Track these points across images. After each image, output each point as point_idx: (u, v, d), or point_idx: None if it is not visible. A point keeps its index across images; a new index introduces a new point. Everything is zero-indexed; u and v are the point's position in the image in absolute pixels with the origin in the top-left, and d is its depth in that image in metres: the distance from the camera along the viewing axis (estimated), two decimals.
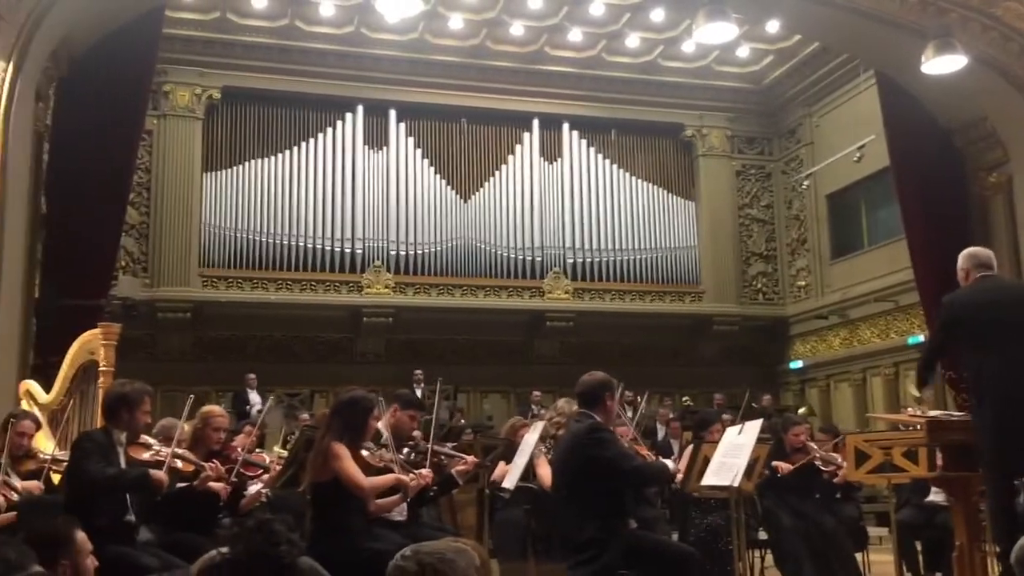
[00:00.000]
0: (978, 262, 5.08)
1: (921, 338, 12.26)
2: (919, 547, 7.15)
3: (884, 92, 11.67)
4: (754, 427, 5.00)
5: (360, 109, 14.22)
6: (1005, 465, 4.60)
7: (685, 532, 6.46)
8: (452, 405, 12.49)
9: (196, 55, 13.43)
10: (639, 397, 11.51)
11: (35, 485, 5.37)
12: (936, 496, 6.93)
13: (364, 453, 4.29)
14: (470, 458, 5.07)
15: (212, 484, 4.80)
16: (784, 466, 6.96)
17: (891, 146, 11.72)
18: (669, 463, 4.68)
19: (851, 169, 13.38)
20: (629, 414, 10.57)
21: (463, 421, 12.01)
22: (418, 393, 11.35)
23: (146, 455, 4.65)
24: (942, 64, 8.71)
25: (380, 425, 4.65)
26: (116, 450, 4.46)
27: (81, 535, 2.77)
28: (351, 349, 13.97)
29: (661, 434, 11.81)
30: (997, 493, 4.69)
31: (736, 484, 4.82)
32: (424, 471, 4.56)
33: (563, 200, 14.79)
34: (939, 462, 5.38)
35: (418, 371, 12.56)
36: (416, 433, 5.38)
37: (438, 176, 14.47)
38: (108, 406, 4.53)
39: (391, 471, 4.49)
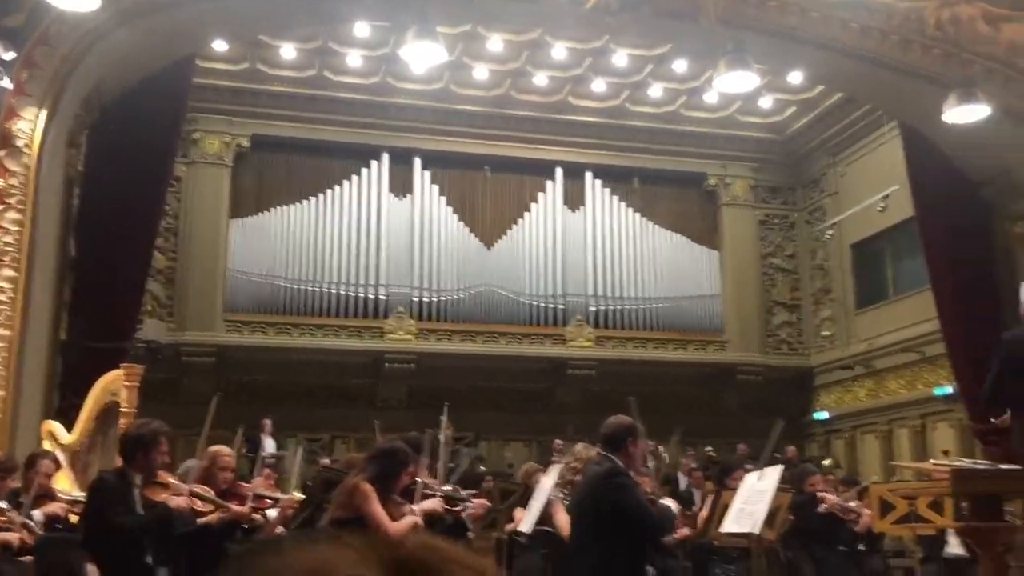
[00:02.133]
0: None
1: (949, 389, 12.09)
2: None
3: (908, 143, 11.68)
4: (774, 473, 4.94)
5: (385, 157, 14.40)
6: None
7: None
8: (473, 452, 12.41)
9: (225, 104, 13.69)
10: (659, 447, 11.44)
11: (59, 507, 5.39)
12: (953, 548, 6.80)
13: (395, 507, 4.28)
14: (478, 502, 5.02)
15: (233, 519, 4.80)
16: (831, 498, 6.90)
17: (916, 196, 11.69)
18: (671, 503, 4.62)
19: (876, 219, 13.34)
20: (651, 463, 10.44)
21: (483, 468, 11.92)
22: (440, 439, 11.31)
23: (163, 495, 4.65)
24: (964, 114, 8.73)
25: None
26: (132, 492, 4.47)
27: (92, 569, 2.77)
28: (373, 395, 13.98)
29: (683, 484, 11.66)
30: None
31: (756, 531, 4.75)
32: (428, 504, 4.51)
33: (586, 248, 14.82)
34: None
35: (442, 417, 12.49)
36: (431, 481, 5.35)
37: (462, 223, 14.57)
38: (124, 447, 4.55)
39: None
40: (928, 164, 11.42)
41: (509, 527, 6.50)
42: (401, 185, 14.52)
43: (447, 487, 4.90)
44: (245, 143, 13.94)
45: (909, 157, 11.64)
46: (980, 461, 5.68)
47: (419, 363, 13.74)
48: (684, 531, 6.64)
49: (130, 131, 9.52)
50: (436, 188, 14.57)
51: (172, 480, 4.83)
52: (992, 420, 5.30)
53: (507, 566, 6.76)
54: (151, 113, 9.66)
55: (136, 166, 9.54)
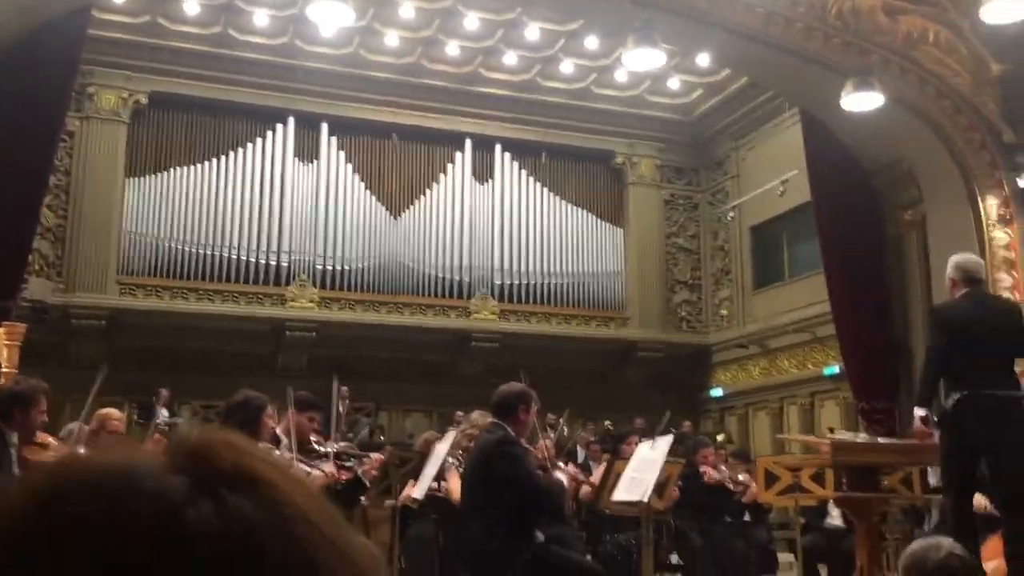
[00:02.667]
0: (964, 274, 4.98)
1: (836, 369, 12.54)
2: (824, 572, 7.27)
3: (807, 129, 11.98)
4: (665, 442, 5.04)
5: (291, 121, 14.09)
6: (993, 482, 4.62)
7: (596, 550, 6.48)
8: (372, 422, 12.34)
9: (124, 58, 13.16)
10: (560, 419, 11.61)
11: None
12: (834, 520, 7.08)
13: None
14: (375, 455, 4.99)
15: None
16: (712, 472, 7.06)
17: (812, 182, 12.02)
18: (562, 477, 4.68)
19: (775, 202, 13.68)
20: (551, 435, 10.54)
21: (382, 438, 11.86)
22: (340, 410, 11.23)
23: (44, 455, 4.48)
24: (860, 101, 9.01)
25: (279, 430, 4.57)
26: (8, 451, 4.29)
27: None
28: (272, 363, 13.72)
29: (581, 457, 11.83)
30: (959, 508, 4.67)
31: (646, 500, 4.84)
32: (326, 468, 4.47)
33: (493, 221, 14.82)
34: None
35: (344, 388, 12.38)
36: (328, 447, 5.28)
37: (368, 192, 14.39)
38: (0, 405, 4.35)
39: None
40: (825, 151, 11.75)
41: (403, 496, 6.49)
42: (307, 150, 14.24)
43: (340, 444, 4.84)
44: (143, 100, 13.44)
45: (807, 143, 11.95)
46: (860, 434, 5.92)
47: (321, 332, 13.56)
48: (586, 490, 6.79)
49: (19, 81, 9.07)
50: (343, 155, 14.34)
51: (52, 440, 4.65)
52: (916, 413, 5.12)
53: (400, 535, 6.76)
54: (43, 63, 9.21)
55: (26, 118, 9.11)
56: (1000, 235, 10.25)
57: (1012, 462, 4.62)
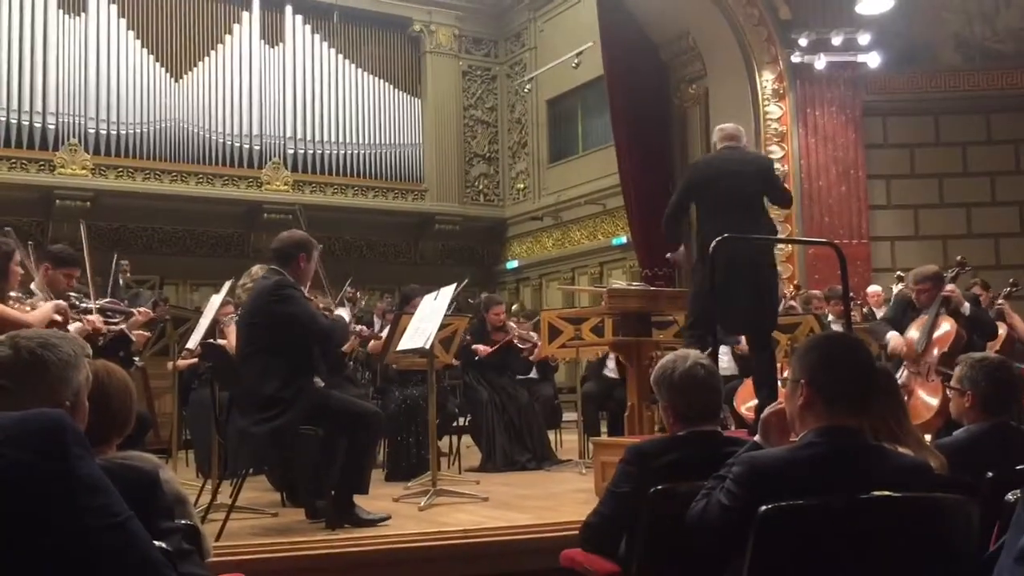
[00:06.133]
0: (723, 135, 5.28)
1: (624, 239, 13.07)
2: (602, 417, 7.72)
3: (602, 1, 12.08)
4: (448, 292, 5.07)
5: None
6: (724, 326, 4.91)
7: (386, 406, 6.54)
8: (157, 295, 11.76)
9: None
10: (358, 293, 11.52)
11: None
12: (610, 372, 7.51)
13: (15, 305, 3.88)
14: (142, 310, 4.74)
15: None
16: (483, 348, 7.20)
17: (605, 55, 12.20)
18: (344, 313, 4.65)
19: (570, 76, 13.78)
20: (348, 309, 10.41)
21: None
22: (121, 282, 10.63)
23: None
24: None
25: (33, 286, 4.24)
26: None
27: None
28: (41, 235, 12.71)
29: (377, 326, 11.83)
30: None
31: (428, 346, 4.88)
32: (90, 317, 4.20)
33: (285, 88, 14.14)
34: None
35: (124, 261, 11.69)
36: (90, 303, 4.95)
37: (145, 51, 13.30)
38: None
39: None
40: (617, 23, 11.93)
41: (182, 362, 6.29)
42: (73, 2, 12.94)
43: (104, 300, 4.55)
44: None
45: (601, 15, 12.06)
46: (635, 283, 6.18)
47: (95, 201, 12.65)
48: (374, 344, 6.84)
49: None
50: (115, 8, 13.13)
51: None
52: (667, 256, 5.66)
53: (181, 401, 6.56)
54: None
55: None
56: (774, 109, 10.84)
57: (754, 302, 4.96)
